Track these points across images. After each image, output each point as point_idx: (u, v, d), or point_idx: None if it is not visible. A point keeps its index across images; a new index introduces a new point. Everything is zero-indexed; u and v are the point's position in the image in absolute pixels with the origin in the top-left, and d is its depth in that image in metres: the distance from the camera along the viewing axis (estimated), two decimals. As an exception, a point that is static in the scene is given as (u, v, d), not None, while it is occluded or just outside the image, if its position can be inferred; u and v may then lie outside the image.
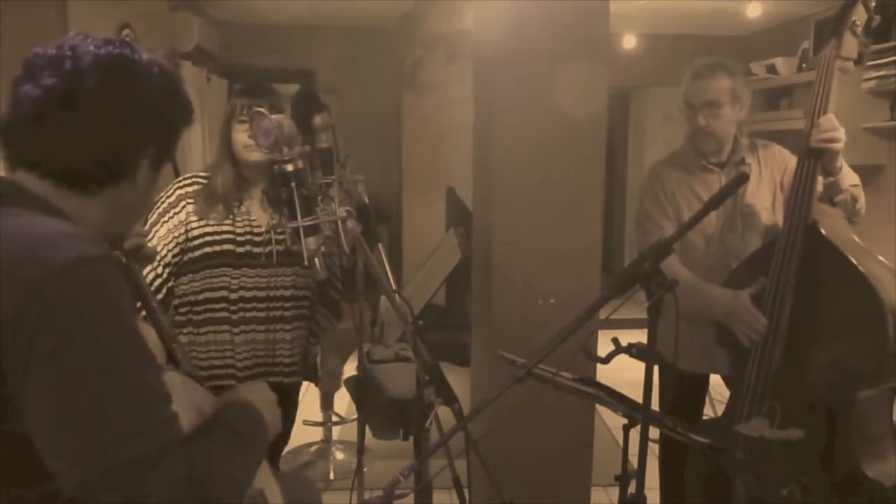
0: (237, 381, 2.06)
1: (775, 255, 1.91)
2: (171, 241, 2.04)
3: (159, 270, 2.03)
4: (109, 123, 1.01)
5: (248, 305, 2.07)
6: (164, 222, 2.04)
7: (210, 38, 4.97)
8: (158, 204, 2.06)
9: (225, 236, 2.05)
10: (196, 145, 4.64)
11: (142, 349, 0.93)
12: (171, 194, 2.07)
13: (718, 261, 2.23)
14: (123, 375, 0.89)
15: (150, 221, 2.04)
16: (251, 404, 1.13)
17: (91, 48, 1.01)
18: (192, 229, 2.05)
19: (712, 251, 2.25)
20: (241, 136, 2.03)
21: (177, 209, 2.05)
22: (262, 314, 2.08)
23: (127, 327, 0.92)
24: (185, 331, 2.06)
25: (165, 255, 2.03)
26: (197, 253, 2.04)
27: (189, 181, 2.10)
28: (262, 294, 2.08)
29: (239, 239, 2.05)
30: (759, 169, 2.25)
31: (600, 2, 2.37)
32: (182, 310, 2.08)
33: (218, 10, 5.08)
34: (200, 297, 2.06)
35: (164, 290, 2.05)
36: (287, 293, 2.11)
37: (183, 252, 2.05)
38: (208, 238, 2.05)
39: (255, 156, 2.02)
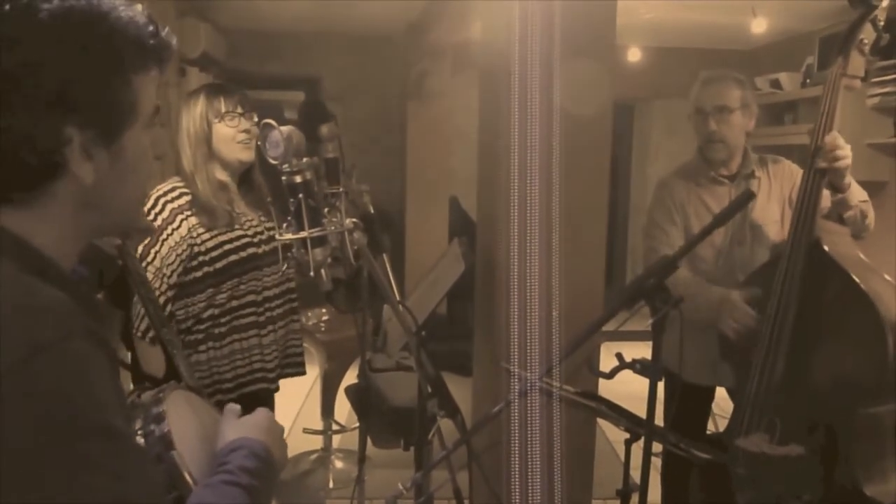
0: (269, 383, 2.10)
1: (778, 270, 1.92)
2: (174, 261, 1.95)
3: (169, 294, 1.94)
4: None
5: (273, 304, 2.11)
6: (164, 240, 1.94)
7: (217, 45, 4.98)
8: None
9: (243, 241, 2.04)
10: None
11: (123, 451, 0.72)
12: (161, 209, 1.95)
13: (726, 273, 2.24)
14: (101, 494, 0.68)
15: (143, 242, 1.93)
16: (261, 449, 0.96)
17: None
18: (204, 242, 1.98)
19: (720, 264, 2.26)
20: (229, 131, 1.99)
21: (174, 224, 1.95)
22: (281, 310, 2.14)
23: (102, 427, 0.70)
24: (201, 348, 2.01)
25: (171, 276, 1.94)
26: (220, 264, 2.00)
27: (176, 193, 1.99)
28: (278, 290, 2.13)
29: (255, 240, 2.06)
30: (768, 183, 2.26)
31: (606, 13, 2.38)
32: (200, 327, 2.01)
33: (225, 17, 5.10)
34: (225, 307, 2.02)
35: (167, 314, 1.95)
36: (293, 285, 2.18)
37: (194, 269, 1.98)
38: (227, 247, 2.01)
39: (247, 154, 2.02)
